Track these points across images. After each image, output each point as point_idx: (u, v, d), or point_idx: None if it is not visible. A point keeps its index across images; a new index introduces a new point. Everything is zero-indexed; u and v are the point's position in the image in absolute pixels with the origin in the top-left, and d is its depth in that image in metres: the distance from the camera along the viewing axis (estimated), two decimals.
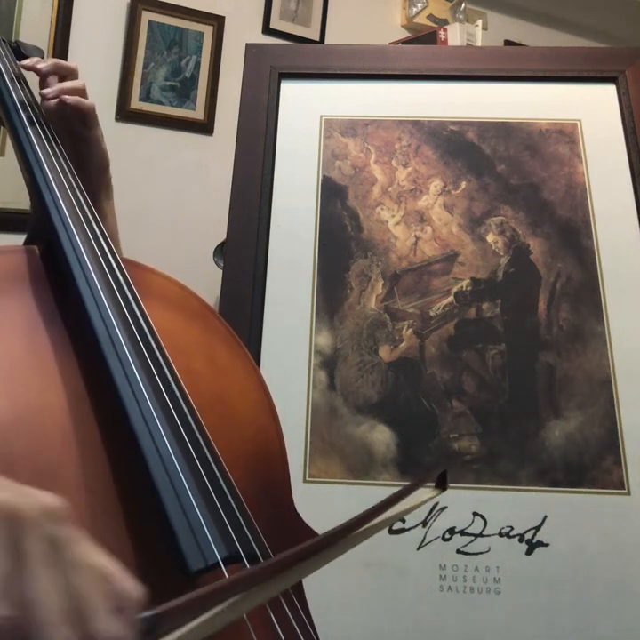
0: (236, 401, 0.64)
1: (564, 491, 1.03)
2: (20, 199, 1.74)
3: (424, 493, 0.53)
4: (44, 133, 0.72)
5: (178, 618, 0.33)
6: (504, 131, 1.24)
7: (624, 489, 1.03)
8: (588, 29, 2.80)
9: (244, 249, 1.16)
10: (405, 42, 2.39)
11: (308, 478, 1.04)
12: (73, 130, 0.79)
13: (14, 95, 0.75)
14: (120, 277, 0.60)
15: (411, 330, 1.12)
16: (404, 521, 1.03)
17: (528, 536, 1.02)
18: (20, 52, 0.85)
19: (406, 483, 0.93)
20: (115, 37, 2.06)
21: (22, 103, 0.74)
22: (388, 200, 1.20)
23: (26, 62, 0.81)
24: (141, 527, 0.47)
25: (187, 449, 0.49)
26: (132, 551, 0.46)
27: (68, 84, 0.78)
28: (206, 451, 0.50)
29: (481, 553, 1.01)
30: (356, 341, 1.12)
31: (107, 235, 0.64)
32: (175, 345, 0.59)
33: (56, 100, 0.77)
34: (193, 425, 0.51)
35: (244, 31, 2.18)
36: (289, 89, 1.27)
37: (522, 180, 1.21)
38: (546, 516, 1.02)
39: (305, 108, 1.26)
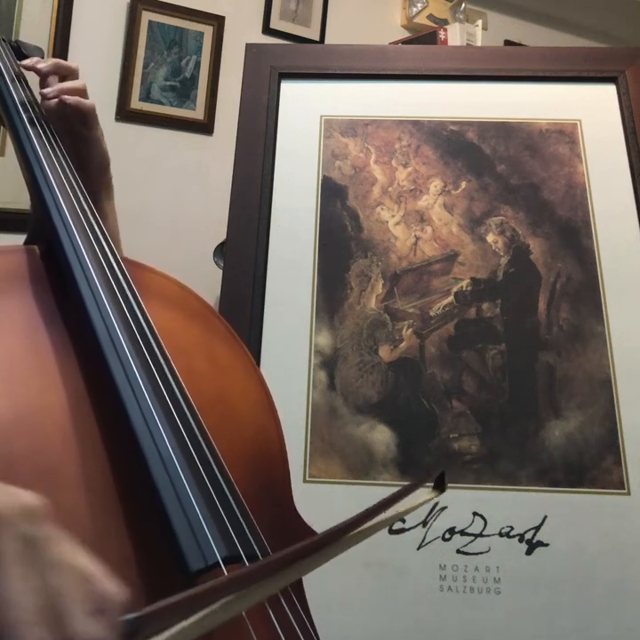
0: (237, 401, 0.64)
1: (564, 491, 1.03)
2: (20, 199, 1.74)
3: (423, 494, 0.53)
4: (45, 133, 0.72)
5: (166, 619, 0.32)
6: (504, 131, 1.24)
7: (624, 489, 1.03)
8: (588, 29, 2.80)
9: (244, 249, 1.16)
10: (405, 42, 2.39)
11: (308, 478, 1.04)
12: (73, 130, 0.79)
13: (15, 95, 0.75)
14: (120, 277, 0.60)
15: (411, 330, 1.12)
16: (403, 521, 1.03)
17: (528, 536, 1.02)
18: (20, 51, 0.85)
19: (406, 483, 0.93)
20: (115, 37, 2.06)
21: (23, 103, 0.74)
22: (388, 200, 1.20)
23: (26, 62, 0.81)
24: (141, 527, 0.47)
25: (187, 449, 0.49)
26: (132, 551, 0.46)
27: (68, 84, 0.78)
28: (207, 450, 0.50)
29: (481, 553, 1.01)
30: (356, 341, 1.12)
31: (107, 235, 0.64)
32: (175, 345, 0.59)
33: (56, 100, 0.77)
34: (193, 425, 0.51)
35: (243, 31, 2.18)
36: (289, 89, 1.27)
37: (522, 180, 1.21)
38: (546, 516, 1.02)
39: (305, 108, 1.26)
